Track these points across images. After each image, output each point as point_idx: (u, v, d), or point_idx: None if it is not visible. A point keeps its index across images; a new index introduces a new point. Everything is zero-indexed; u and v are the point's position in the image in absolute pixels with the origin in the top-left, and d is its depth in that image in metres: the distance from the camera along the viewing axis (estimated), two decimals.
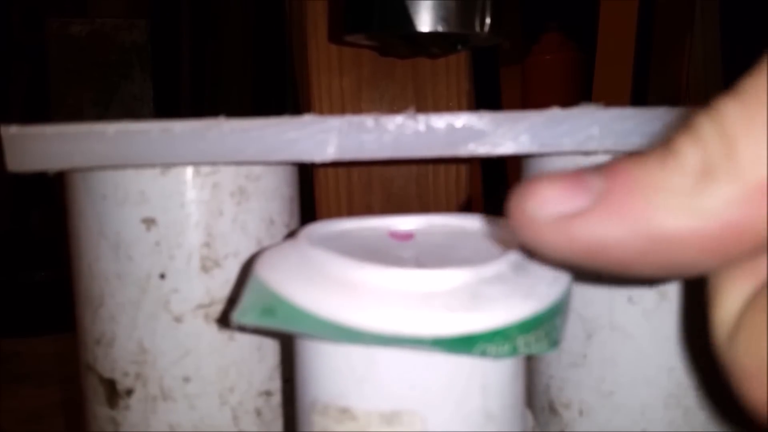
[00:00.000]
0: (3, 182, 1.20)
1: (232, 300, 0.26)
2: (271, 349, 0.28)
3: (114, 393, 0.27)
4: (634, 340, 0.27)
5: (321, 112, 0.43)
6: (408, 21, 0.32)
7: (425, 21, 0.32)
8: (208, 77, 1.38)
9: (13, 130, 0.23)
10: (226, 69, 1.37)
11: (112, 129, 0.23)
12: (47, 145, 0.23)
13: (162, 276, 0.26)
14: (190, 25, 1.37)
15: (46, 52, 1.14)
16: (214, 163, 0.25)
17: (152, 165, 0.24)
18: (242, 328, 0.20)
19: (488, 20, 0.33)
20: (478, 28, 0.33)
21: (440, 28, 0.32)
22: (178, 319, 0.26)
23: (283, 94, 1.29)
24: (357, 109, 0.43)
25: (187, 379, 0.26)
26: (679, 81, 0.74)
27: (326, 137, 0.23)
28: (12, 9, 1.29)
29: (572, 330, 0.28)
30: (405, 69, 0.43)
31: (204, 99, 1.37)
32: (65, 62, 1.13)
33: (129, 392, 0.27)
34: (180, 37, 1.36)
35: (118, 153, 0.23)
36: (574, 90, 0.86)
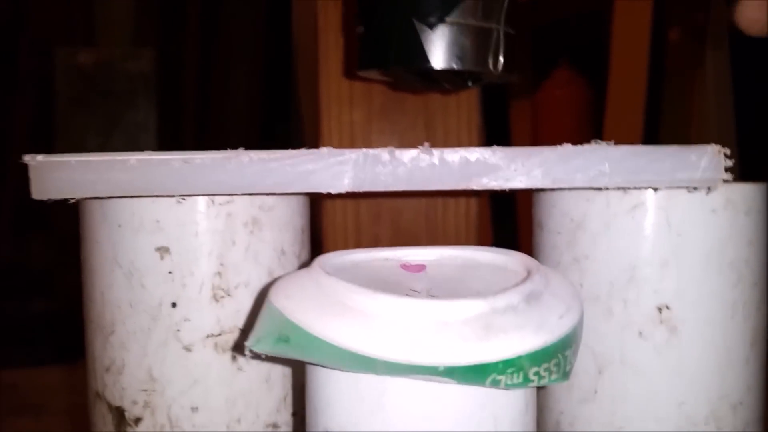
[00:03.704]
0: (2, 211, 1.20)
1: (246, 331, 0.27)
2: (279, 381, 0.28)
3: (122, 421, 0.27)
4: (644, 375, 0.27)
5: (331, 143, 0.43)
6: (423, 58, 0.33)
7: (439, 59, 0.33)
8: (212, 107, 1.40)
9: (40, 158, 0.23)
10: (232, 100, 1.38)
11: (134, 159, 0.23)
12: (71, 174, 0.23)
13: (174, 305, 0.26)
14: (195, 55, 1.39)
15: (53, 79, 1.15)
16: (231, 194, 0.25)
17: (171, 195, 0.25)
18: (256, 356, 0.20)
19: (501, 59, 0.34)
20: (491, 67, 0.34)
21: (454, 66, 0.33)
22: (187, 348, 0.26)
23: (288, 126, 1.30)
24: (367, 141, 0.44)
25: (195, 409, 0.26)
26: (690, 115, 0.75)
27: (342, 169, 0.24)
28: (20, 36, 1.31)
29: (583, 365, 0.28)
30: (416, 102, 0.44)
31: (207, 128, 1.38)
32: (71, 90, 1.14)
33: (137, 421, 0.27)
34: (185, 67, 1.38)
35: (139, 182, 0.23)
36: (584, 125, 0.86)
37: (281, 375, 0.28)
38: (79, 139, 1.17)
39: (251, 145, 0.25)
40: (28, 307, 1.09)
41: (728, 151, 0.26)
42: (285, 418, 0.28)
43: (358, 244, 0.45)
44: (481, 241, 0.45)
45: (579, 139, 0.25)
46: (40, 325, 1.02)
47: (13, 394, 0.65)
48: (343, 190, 0.24)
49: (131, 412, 0.27)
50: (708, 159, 0.25)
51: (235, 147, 0.24)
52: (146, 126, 1.20)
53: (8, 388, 0.67)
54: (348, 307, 0.19)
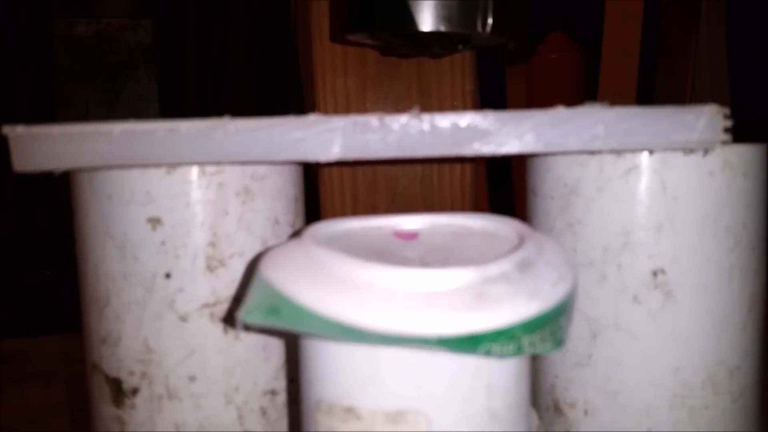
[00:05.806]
0: (8, 182, 1.20)
1: (238, 299, 0.27)
2: (276, 348, 0.28)
3: (120, 392, 0.27)
4: (639, 340, 0.27)
5: (326, 111, 0.43)
6: (410, 20, 0.32)
7: (427, 20, 0.32)
8: (213, 77, 1.38)
9: (20, 130, 0.23)
10: (231, 69, 1.36)
11: (117, 129, 0.23)
12: (53, 146, 0.23)
13: (167, 275, 0.26)
14: (195, 25, 1.36)
15: (51, 52, 1.14)
16: (219, 163, 0.25)
17: (158, 165, 0.24)
18: (247, 328, 0.20)
19: (490, 20, 0.33)
20: (480, 28, 0.33)
21: (442, 28, 0.32)
22: (183, 319, 0.26)
23: (287, 94, 1.29)
24: (362, 108, 0.43)
25: (192, 379, 0.26)
26: (684, 79, 0.74)
27: (331, 137, 0.23)
28: (18, 9, 1.29)
29: (577, 330, 0.28)
30: (410, 68, 0.43)
31: (209, 99, 1.37)
32: (71, 63, 1.13)
33: (135, 391, 0.27)
34: (185, 38, 1.36)
35: (123, 153, 0.23)
36: (580, 89, 0.86)
37: (278, 342, 0.28)
38: (82, 112, 1.16)
39: (251, 112, 0.25)
40: (37, 277, 1.09)
41: (727, 111, 0.25)
42: (283, 385, 0.28)
43: (356, 212, 0.44)
44: (477, 208, 0.45)
45: (575, 102, 0.25)
46: (49, 294, 1.02)
47: (22, 362, 0.66)
48: (332, 159, 0.23)
49: (128, 383, 0.27)
50: (706, 119, 0.25)
51: (236, 115, 0.24)
52: (147, 97, 1.19)
53: (17, 356, 0.67)
54: (338, 277, 0.19)
